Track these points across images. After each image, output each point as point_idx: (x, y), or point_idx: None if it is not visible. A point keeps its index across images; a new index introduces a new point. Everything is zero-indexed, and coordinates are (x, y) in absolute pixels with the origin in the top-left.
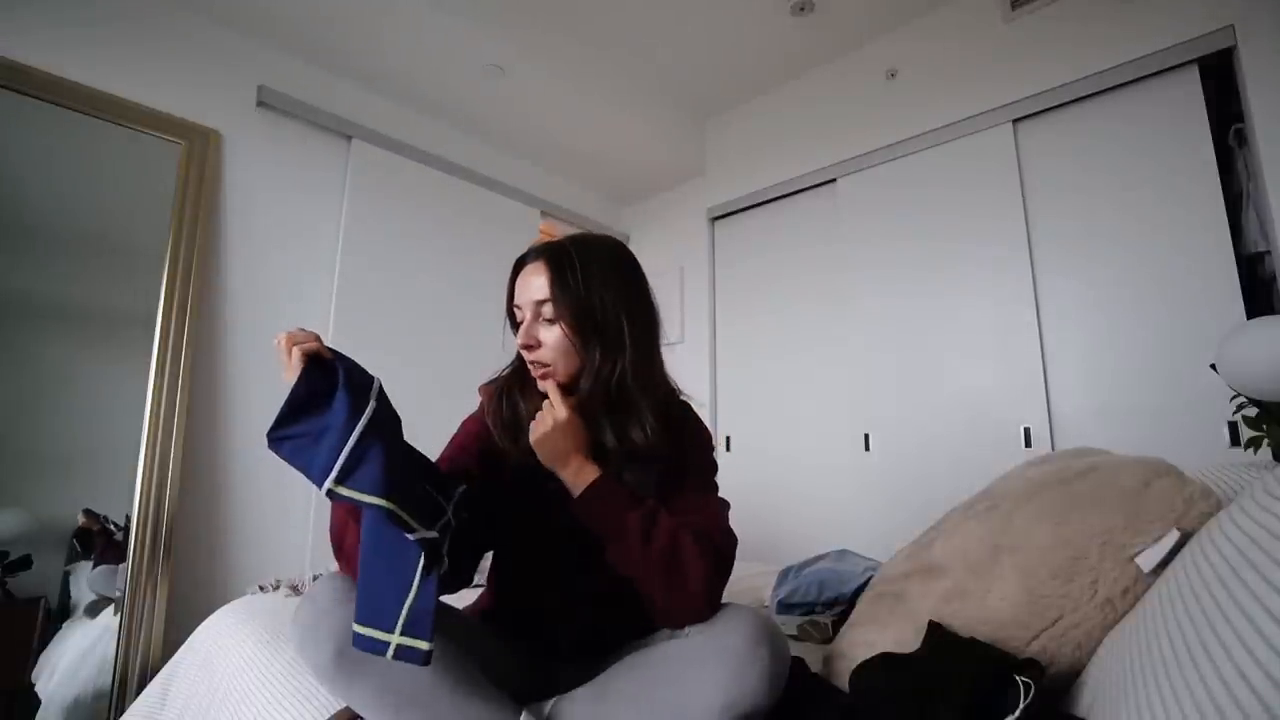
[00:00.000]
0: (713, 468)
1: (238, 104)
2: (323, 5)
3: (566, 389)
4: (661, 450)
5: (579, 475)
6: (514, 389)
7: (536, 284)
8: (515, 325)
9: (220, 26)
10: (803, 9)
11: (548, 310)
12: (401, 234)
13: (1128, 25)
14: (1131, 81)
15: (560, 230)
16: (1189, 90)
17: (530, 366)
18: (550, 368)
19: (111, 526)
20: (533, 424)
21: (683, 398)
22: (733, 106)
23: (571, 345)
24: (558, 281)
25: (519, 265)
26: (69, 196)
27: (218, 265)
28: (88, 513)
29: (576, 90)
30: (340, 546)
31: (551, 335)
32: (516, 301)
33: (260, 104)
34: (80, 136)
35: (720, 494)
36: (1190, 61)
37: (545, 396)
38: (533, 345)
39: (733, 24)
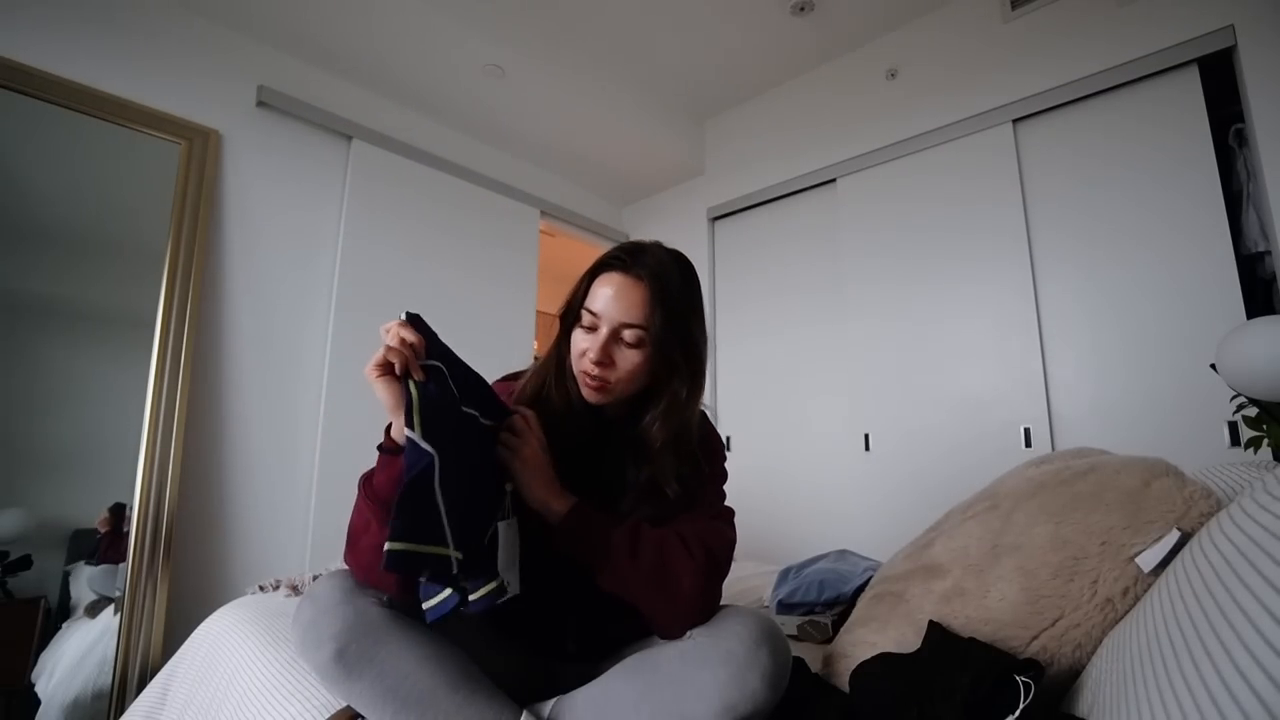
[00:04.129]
0: (724, 477)
1: (238, 104)
2: (323, 5)
3: (596, 407)
4: (693, 484)
5: (554, 504)
6: (550, 393)
7: (630, 303)
8: (571, 324)
9: (220, 26)
10: (803, 9)
11: (632, 335)
12: (401, 234)
13: (1128, 25)
14: (1131, 81)
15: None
16: (1189, 90)
17: (582, 375)
18: (609, 385)
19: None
20: (520, 459)
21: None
22: (733, 106)
23: (647, 373)
24: (660, 311)
25: (605, 268)
26: (69, 196)
27: (218, 265)
28: (113, 510)
29: (576, 90)
30: (355, 543)
31: (629, 360)
32: (595, 309)
33: (260, 104)
34: (80, 136)
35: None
36: (1190, 61)
37: (573, 403)
38: (605, 364)
39: (733, 24)
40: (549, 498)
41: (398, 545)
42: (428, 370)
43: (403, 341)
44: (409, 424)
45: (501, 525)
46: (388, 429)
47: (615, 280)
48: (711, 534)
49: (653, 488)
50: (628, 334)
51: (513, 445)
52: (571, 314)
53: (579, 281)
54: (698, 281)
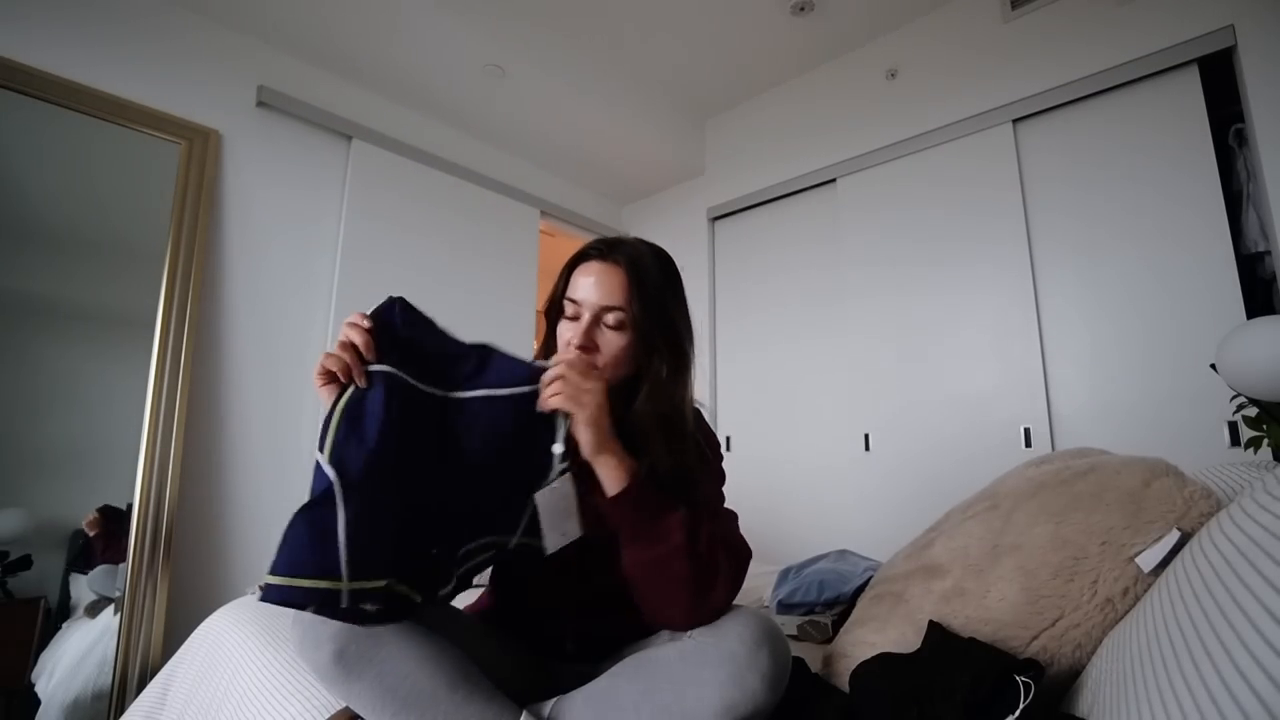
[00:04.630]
0: (722, 477)
1: (238, 104)
2: (323, 5)
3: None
4: (697, 473)
5: (621, 466)
6: None
7: (610, 288)
8: (555, 318)
9: (220, 26)
10: (803, 9)
11: (613, 318)
12: (401, 234)
13: (1128, 25)
14: (1131, 81)
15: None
16: (1189, 90)
17: None
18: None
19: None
20: (593, 396)
21: (695, 404)
22: (733, 106)
23: (631, 357)
24: (637, 292)
25: (583, 258)
26: (69, 196)
27: (218, 265)
28: (102, 511)
29: (576, 90)
30: None
31: (612, 344)
32: (577, 298)
33: (260, 104)
34: (80, 136)
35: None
36: (1190, 61)
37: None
38: (589, 348)
39: (733, 24)
40: (613, 452)
41: (274, 579)
42: (373, 376)
43: (345, 345)
44: (319, 445)
45: (549, 490)
46: None
47: (594, 268)
48: (736, 539)
49: (653, 480)
50: (609, 317)
51: (582, 386)
52: (555, 308)
53: (560, 275)
54: (677, 271)
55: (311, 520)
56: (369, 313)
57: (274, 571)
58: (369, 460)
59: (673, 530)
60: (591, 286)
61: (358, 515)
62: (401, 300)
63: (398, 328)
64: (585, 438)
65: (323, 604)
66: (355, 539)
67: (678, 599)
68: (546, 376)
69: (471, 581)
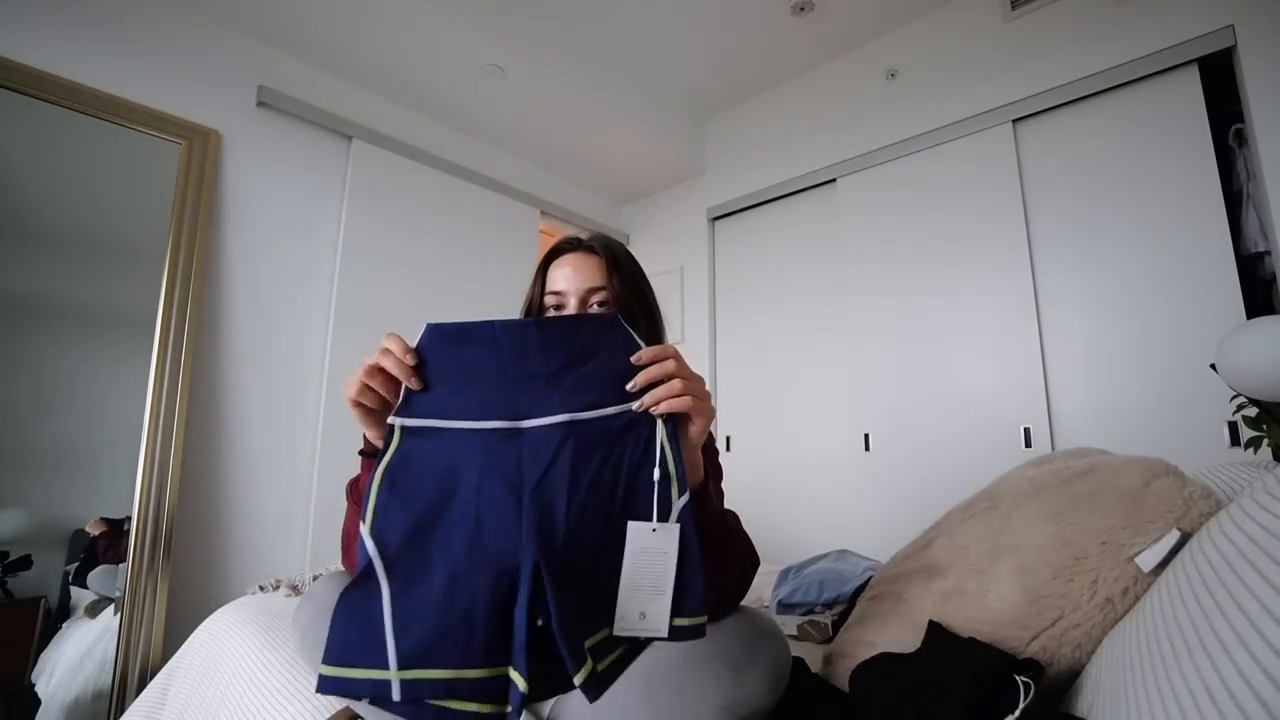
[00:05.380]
0: (720, 474)
1: (238, 104)
2: (323, 5)
3: None
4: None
5: (699, 466)
6: None
7: (590, 271)
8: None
9: (220, 26)
10: (803, 9)
11: (599, 298)
12: (401, 234)
13: (1127, 25)
14: (1131, 81)
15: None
16: (1189, 90)
17: None
18: None
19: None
20: (685, 386)
21: None
22: (733, 106)
23: None
24: (615, 271)
25: (558, 252)
26: (69, 196)
27: (218, 265)
28: (105, 521)
29: (576, 90)
30: (348, 550)
31: None
32: (558, 289)
33: (260, 104)
34: (80, 136)
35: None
36: (1190, 61)
37: None
38: None
39: (733, 24)
40: (698, 461)
41: (324, 668)
42: (414, 430)
43: (376, 369)
44: (361, 516)
45: (652, 545)
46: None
47: (570, 259)
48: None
49: None
50: (595, 298)
51: (699, 387)
52: (534, 308)
53: (534, 278)
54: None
55: (353, 601)
56: (414, 346)
57: (325, 660)
58: (412, 525)
59: (730, 534)
60: (572, 275)
61: (399, 594)
62: (437, 327)
63: (441, 359)
64: (690, 453)
65: (376, 694)
66: (400, 621)
67: (718, 594)
68: (650, 373)
69: (616, 677)
